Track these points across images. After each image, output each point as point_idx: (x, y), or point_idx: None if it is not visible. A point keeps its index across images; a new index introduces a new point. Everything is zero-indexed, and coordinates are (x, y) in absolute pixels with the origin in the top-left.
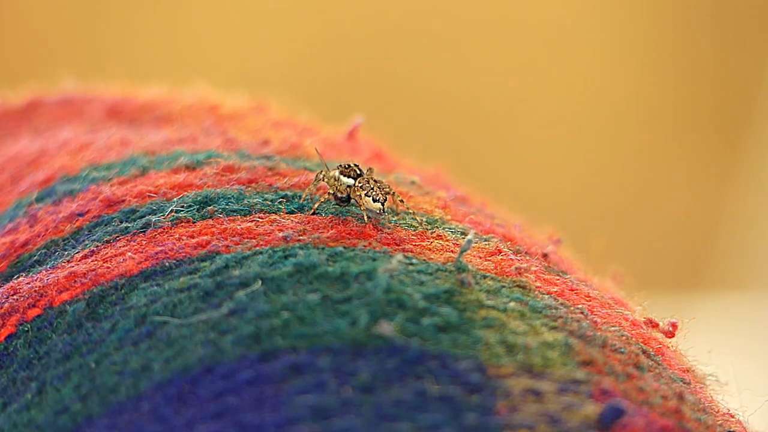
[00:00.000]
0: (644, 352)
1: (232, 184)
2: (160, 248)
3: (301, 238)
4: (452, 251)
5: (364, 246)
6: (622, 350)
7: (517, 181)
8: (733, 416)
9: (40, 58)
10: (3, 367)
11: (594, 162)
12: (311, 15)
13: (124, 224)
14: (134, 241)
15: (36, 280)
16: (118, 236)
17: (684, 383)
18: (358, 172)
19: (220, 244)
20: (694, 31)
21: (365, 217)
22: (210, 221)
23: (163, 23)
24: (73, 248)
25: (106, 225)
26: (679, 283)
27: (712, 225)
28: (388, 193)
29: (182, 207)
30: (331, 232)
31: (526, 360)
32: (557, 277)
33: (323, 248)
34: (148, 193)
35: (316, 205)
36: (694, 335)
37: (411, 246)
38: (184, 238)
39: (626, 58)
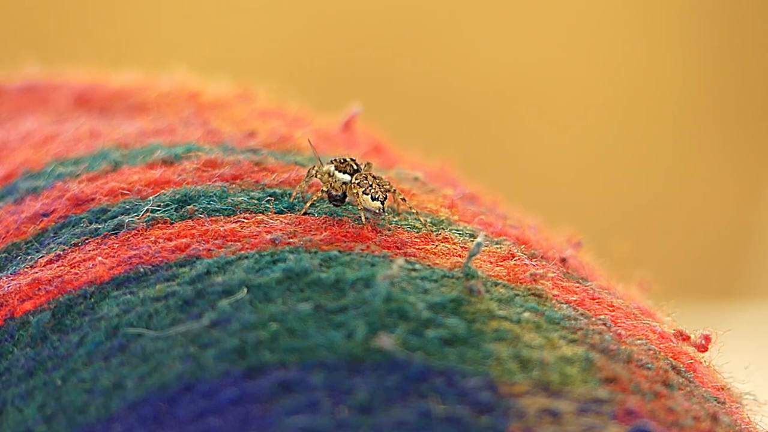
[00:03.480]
0: (674, 367)
1: (215, 181)
2: (134, 252)
3: (291, 240)
4: (460, 256)
5: (362, 250)
6: (649, 366)
7: (532, 178)
8: None
9: (0, 40)
10: None
11: (618, 157)
12: None
13: (94, 225)
14: (105, 245)
15: None
16: (87, 239)
17: (718, 403)
18: (355, 167)
19: (200, 248)
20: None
21: (363, 218)
22: (190, 222)
23: (138, 1)
24: (37, 252)
25: (73, 226)
26: (712, 292)
27: (748, 227)
28: (389, 190)
29: (159, 206)
30: (324, 234)
31: (543, 377)
32: (577, 285)
33: (316, 252)
34: (120, 191)
35: (308, 204)
36: (730, 349)
37: (414, 250)
38: (161, 240)
39: (657, 48)
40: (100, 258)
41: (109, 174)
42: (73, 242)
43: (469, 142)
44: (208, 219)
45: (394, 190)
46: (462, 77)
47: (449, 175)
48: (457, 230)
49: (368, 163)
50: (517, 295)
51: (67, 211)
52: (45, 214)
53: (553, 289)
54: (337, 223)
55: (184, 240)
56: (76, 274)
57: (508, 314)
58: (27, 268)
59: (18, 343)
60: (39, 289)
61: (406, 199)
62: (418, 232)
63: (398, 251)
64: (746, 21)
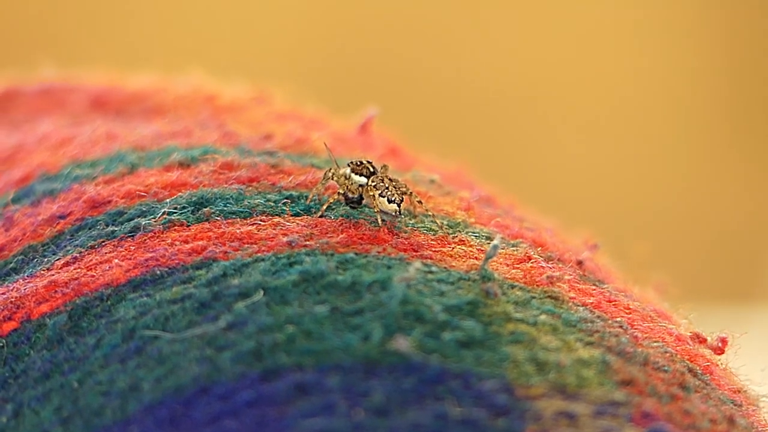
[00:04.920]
0: (690, 370)
1: (231, 183)
2: (150, 255)
3: (307, 243)
4: (476, 258)
5: (378, 252)
6: (666, 368)
7: (549, 180)
8: None
9: (17, 42)
10: None
11: (635, 159)
12: None
13: (111, 228)
14: (122, 247)
15: (12, 291)
16: (103, 241)
17: (735, 405)
18: (372, 169)
19: (217, 250)
20: (746, 25)
21: (379, 220)
22: (206, 224)
23: (154, 3)
24: (54, 254)
25: (90, 229)
26: (729, 294)
27: (765, 230)
28: (405, 193)
29: (175, 209)
30: (341, 236)
31: (559, 379)
32: (593, 287)
33: (332, 254)
34: (137, 193)
35: (324, 207)
36: (746, 352)
37: (430, 252)
38: (178, 243)
39: (675, 49)
40: (116, 260)
41: (125, 176)
42: (89, 245)
43: (485, 145)
44: (224, 221)
45: (411, 192)
46: (478, 80)
47: (465, 177)
48: (474, 233)
49: (385, 166)
50: (534, 297)
51: (84, 214)
52: (61, 217)
53: (569, 291)
54: (353, 225)
55: (200, 242)
56: (93, 276)
57: (524, 317)
58: (43, 270)
59: (34, 345)
60: (55, 291)
61: (422, 201)
62: (434, 235)
63: (414, 254)
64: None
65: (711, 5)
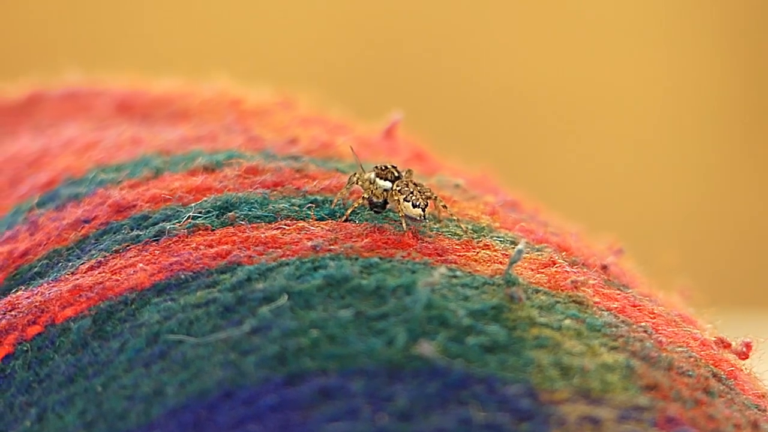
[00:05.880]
0: (715, 375)
1: (256, 188)
2: (175, 259)
3: (332, 247)
4: (501, 262)
5: (403, 257)
6: (690, 373)
7: (573, 185)
8: None
9: (42, 46)
10: None
11: (660, 164)
12: None
13: (135, 232)
14: (146, 251)
15: (36, 295)
16: (128, 245)
17: (759, 410)
18: (396, 174)
19: (241, 255)
20: None
21: (404, 225)
22: (231, 229)
23: (179, 7)
24: (78, 259)
25: (114, 233)
26: (753, 299)
27: None
28: (430, 197)
29: (200, 213)
30: (365, 241)
31: (583, 384)
32: (618, 292)
33: (356, 259)
34: (162, 198)
35: (349, 211)
36: None
37: (455, 257)
38: (202, 247)
39: (699, 52)
40: (141, 265)
41: (150, 181)
42: (114, 249)
43: (510, 150)
44: (249, 226)
45: (435, 197)
46: (503, 85)
47: (490, 182)
48: (498, 237)
49: (409, 170)
50: (558, 302)
51: (109, 218)
52: (86, 221)
53: (594, 296)
54: (378, 230)
55: (225, 247)
56: (117, 280)
57: (548, 321)
58: (68, 274)
59: (59, 349)
60: (80, 295)
61: (447, 206)
62: (459, 239)
63: (439, 258)
64: None
65: (737, 6)
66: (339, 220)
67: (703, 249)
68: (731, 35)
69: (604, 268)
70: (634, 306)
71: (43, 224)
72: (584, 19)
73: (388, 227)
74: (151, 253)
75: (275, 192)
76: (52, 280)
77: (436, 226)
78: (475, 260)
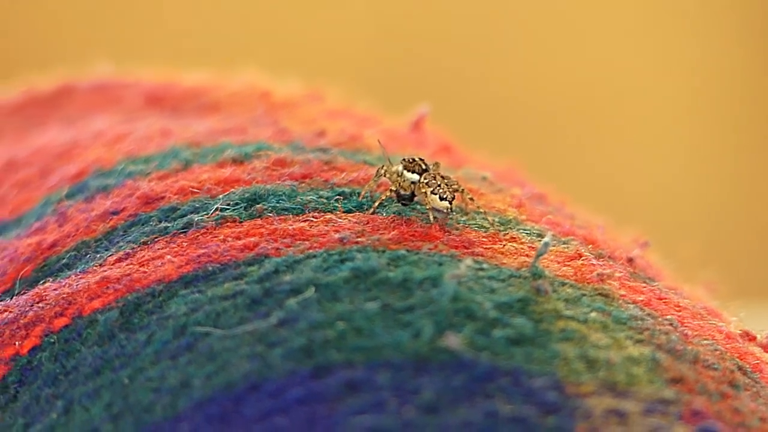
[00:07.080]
0: (740, 368)
1: (284, 180)
2: (202, 251)
3: (359, 240)
4: (527, 255)
5: (430, 249)
6: (716, 366)
7: (599, 178)
8: None
9: (71, 38)
10: (26, 383)
11: (685, 157)
12: None
13: (163, 224)
14: (174, 243)
15: (64, 286)
16: (156, 237)
17: None
18: (424, 167)
19: (269, 247)
20: None
21: (431, 217)
22: (258, 221)
23: (210, 0)
24: (106, 250)
25: (143, 225)
26: None
27: None
28: (457, 190)
29: (228, 205)
30: (392, 233)
31: (609, 377)
32: (644, 285)
33: (384, 251)
34: (190, 189)
35: (376, 204)
36: None
37: (481, 249)
38: (230, 239)
39: (730, 45)
40: (168, 256)
41: (179, 173)
42: (142, 240)
43: (536, 143)
44: (277, 218)
45: (462, 189)
46: (530, 78)
47: (517, 175)
48: (525, 230)
49: (437, 163)
50: (584, 295)
51: (137, 210)
52: (115, 213)
53: (620, 289)
54: (405, 222)
55: (252, 239)
56: (145, 272)
57: (575, 314)
58: (96, 266)
59: (86, 341)
60: (108, 287)
61: (474, 198)
62: (485, 232)
63: (466, 251)
64: None
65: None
66: (367, 212)
67: (728, 242)
68: (757, 28)
69: (630, 260)
70: (660, 299)
71: (71, 215)
72: (616, 12)
73: (415, 219)
74: (179, 245)
75: (303, 184)
76: (80, 272)
77: (462, 219)
78: (502, 253)
